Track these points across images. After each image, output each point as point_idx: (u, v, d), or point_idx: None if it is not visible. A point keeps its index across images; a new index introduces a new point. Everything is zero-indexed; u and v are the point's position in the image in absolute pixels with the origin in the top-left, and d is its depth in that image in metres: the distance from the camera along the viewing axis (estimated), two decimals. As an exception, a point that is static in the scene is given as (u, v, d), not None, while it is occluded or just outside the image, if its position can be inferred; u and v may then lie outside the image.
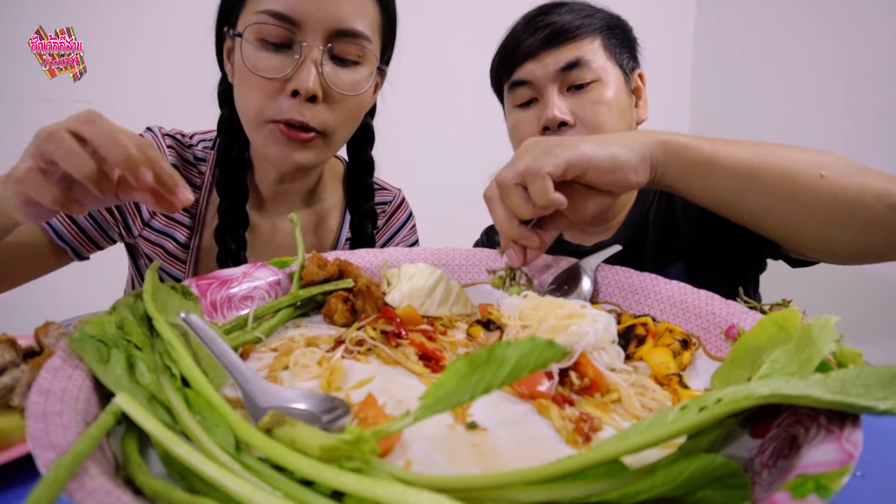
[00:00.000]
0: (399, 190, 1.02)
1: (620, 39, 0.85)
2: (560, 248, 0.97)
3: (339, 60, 0.70)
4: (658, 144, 0.57)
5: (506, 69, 0.85)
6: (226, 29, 0.75)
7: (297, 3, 0.65)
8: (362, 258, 0.65)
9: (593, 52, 0.81)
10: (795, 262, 0.75)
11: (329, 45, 0.68)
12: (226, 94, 0.82)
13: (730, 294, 0.77)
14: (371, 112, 0.89)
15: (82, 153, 0.42)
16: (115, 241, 0.82)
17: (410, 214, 1.03)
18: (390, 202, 1.00)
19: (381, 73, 0.79)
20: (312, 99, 0.68)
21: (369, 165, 0.91)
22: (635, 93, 0.88)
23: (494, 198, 0.57)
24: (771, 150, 0.57)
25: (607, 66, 0.82)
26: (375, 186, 0.97)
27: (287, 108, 0.68)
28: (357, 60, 0.71)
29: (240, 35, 0.68)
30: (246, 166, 0.83)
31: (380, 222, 0.98)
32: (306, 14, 0.65)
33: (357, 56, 0.71)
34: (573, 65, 0.79)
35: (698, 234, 0.86)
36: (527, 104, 0.84)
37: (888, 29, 1.71)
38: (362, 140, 0.88)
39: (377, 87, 0.82)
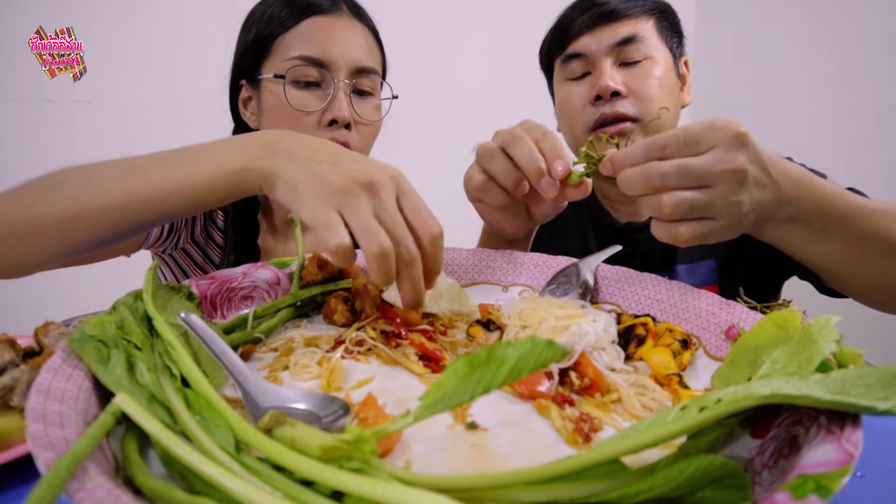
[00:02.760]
0: None
1: (671, 24, 0.89)
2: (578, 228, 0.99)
3: (359, 93, 0.83)
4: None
5: (559, 43, 0.88)
6: (242, 82, 0.86)
7: (326, 49, 0.79)
8: (361, 258, 0.65)
9: (647, 31, 0.84)
10: (825, 290, 0.75)
11: (353, 80, 0.81)
12: None
13: (752, 295, 0.77)
14: None
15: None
16: (157, 247, 0.86)
17: None
18: None
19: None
20: (347, 126, 0.81)
21: None
22: (681, 78, 0.91)
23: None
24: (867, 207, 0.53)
25: (659, 46, 0.85)
26: None
27: (327, 135, 0.79)
28: (371, 92, 0.85)
29: (282, 77, 0.78)
30: (258, 204, 0.91)
31: None
32: (334, 57, 0.79)
33: (371, 88, 0.85)
34: (628, 40, 0.82)
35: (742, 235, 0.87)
36: (578, 78, 0.87)
37: (888, 29, 1.71)
38: None
39: None
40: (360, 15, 0.85)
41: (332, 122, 0.79)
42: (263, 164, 0.46)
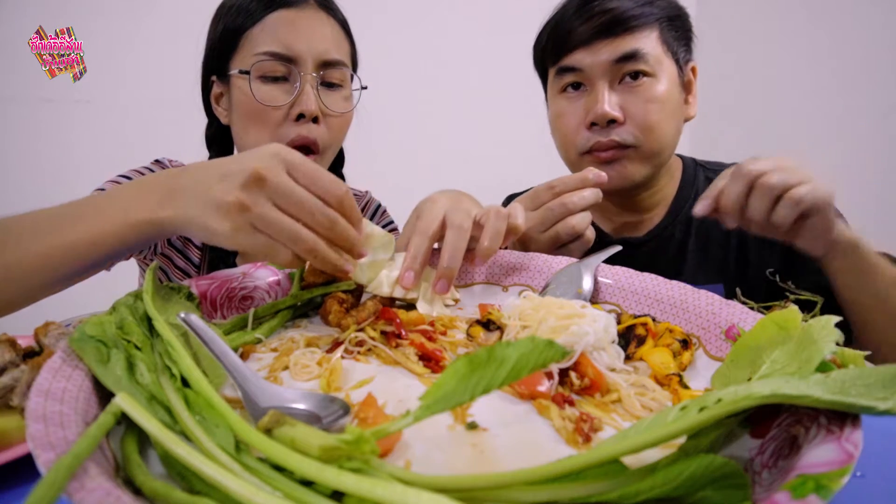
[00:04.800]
0: (366, 192, 1.10)
1: (679, 30, 0.82)
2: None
3: (328, 85, 0.82)
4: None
5: (554, 53, 0.82)
6: (213, 78, 0.85)
7: (291, 43, 0.78)
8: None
9: (650, 44, 0.77)
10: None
11: (320, 73, 0.80)
12: (213, 137, 0.92)
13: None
14: None
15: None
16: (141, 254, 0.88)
17: (378, 206, 1.10)
18: (363, 208, 1.08)
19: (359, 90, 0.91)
20: (315, 120, 0.79)
21: None
22: (686, 87, 0.84)
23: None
24: None
25: (663, 60, 0.79)
26: None
27: (294, 130, 0.79)
28: (340, 84, 0.84)
29: (247, 73, 0.78)
30: None
31: None
32: (300, 51, 0.78)
33: (340, 80, 0.84)
34: (629, 57, 0.76)
35: (758, 259, 0.82)
36: (572, 91, 0.81)
37: (888, 29, 1.71)
38: (335, 162, 0.95)
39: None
40: (328, 7, 0.84)
41: (300, 117, 0.78)
42: (165, 213, 0.47)
